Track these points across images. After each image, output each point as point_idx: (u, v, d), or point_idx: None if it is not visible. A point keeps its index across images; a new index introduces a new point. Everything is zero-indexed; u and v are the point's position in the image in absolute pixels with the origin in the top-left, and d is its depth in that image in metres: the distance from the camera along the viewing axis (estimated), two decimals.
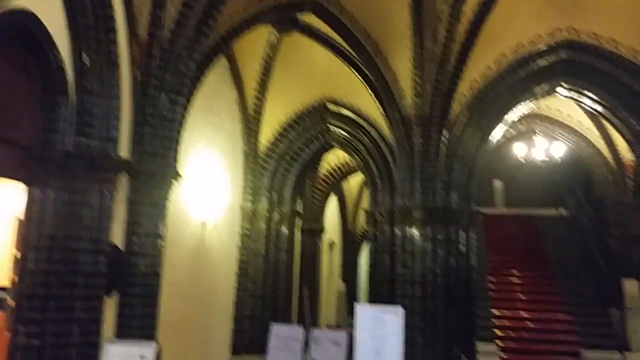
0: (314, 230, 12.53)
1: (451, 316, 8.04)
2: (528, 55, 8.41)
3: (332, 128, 9.34)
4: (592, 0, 7.96)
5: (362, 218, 18.02)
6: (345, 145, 9.41)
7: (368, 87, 8.53)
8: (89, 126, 5.11)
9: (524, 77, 8.52)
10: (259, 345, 8.74)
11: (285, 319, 9.26)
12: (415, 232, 8.15)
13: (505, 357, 9.91)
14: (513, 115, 9.05)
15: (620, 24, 8.00)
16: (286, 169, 9.37)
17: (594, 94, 8.59)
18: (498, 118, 8.78)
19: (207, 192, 7.68)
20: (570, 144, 11.83)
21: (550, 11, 8.19)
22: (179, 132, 6.13)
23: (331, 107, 9.19)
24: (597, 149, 11.72)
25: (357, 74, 8.55)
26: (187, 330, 6.92)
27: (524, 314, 11.15)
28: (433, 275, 8.05)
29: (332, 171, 12.86)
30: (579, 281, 12.59)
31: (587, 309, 11.68)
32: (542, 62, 8.43)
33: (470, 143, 8.57)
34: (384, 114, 8.56)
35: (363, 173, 9.35)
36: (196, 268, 7.37)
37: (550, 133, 12.02)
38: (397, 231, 8.40)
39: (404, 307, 7.96)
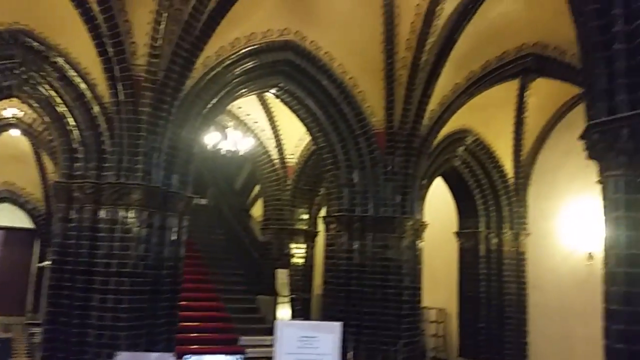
0: None
1: (159, 312, 7.14)
2: (259, 46, 8.33)
3: (23, 69, 6.93)
4: (318, 15, 8.49)
5: None
6: (34, 96, 7.11)
7: (90, 30, 6.75)
8: None
9: (252, 67, 8.41)
10: None
11: None
12: (131, 215, 6.87)
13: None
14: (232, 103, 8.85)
15: (334, 41, 8.78)
16: None
17: (302, 99, 9.19)
18: (224, 103, 8.40)
19: None
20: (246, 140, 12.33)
21: (284, 12, 8.34)
22: None
23: (26, 40, 6.83)
24: (267, 149, 12.62)
25: (76, 6, 6.65)
26: None
27: (191, 304, 10.91)
28: (145, 267, 6.96)
29: None
30: (228, 270, 13.23)
31: (238, 296, 12.39)
32: (270, 57, 8.50)
33: (194, 122, 7.86)
34: (105, 67, 6.93)
35: (55, 133, 7.25)
36: None
37: (229, 126, 12.24)
38: (104, 212, 6.91)
39: (105, 303, 6.68)
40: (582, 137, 3.77)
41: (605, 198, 3.56)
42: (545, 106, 9.98)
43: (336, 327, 3.52)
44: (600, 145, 3.56)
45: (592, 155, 3.70)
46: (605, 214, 3.55)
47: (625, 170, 3.44)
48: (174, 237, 7.49)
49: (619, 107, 3.47)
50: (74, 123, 7.19)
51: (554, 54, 8.32)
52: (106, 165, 7.05)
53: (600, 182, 3.64)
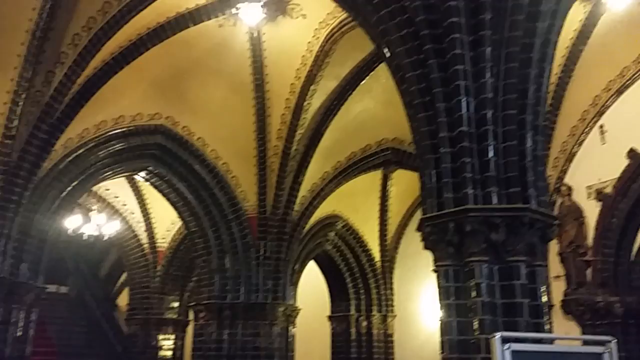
0: None
1: None
2: (127, 129, 8.25)
3: None
4: (191, 101, 8.66)
5: None
6: None
7: None
8: None
9: (119, 150, 8.26)
10: None
11: None
12: None
13: None
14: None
15: (207, 127, 8.95)
16: None
17: (174, 182, 9.10)
18: (86, 186, 8.06)
19: None
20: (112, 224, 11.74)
21: (155, 97, 8.40)
22: None
23: None
24: (136, 233, 12.08)
25: None
26: None
27: None
28: None
29: None
30: None
31: None
32: (139, 141, 8.41)
33: (51, 206, 7.42)
34: None
35: None
36: None
37: (93, 209, 11.64)
38: None
39: None
40: (418, 229, 4.16)
41: (439, 286, 3.90)
42: (405, 195, 10.80)
43: None
44: (432, 237, 3.94)
45: (427, 246, 4.07)
46: (440, 301, 3.87)
47: (453, 260, 3.82)
48: (19, 332, 6.77)
49: (446, 203, 3.91)
50: None
51: (410, 149, 9.15)
52: None
53: (435, 270, 3.99)
